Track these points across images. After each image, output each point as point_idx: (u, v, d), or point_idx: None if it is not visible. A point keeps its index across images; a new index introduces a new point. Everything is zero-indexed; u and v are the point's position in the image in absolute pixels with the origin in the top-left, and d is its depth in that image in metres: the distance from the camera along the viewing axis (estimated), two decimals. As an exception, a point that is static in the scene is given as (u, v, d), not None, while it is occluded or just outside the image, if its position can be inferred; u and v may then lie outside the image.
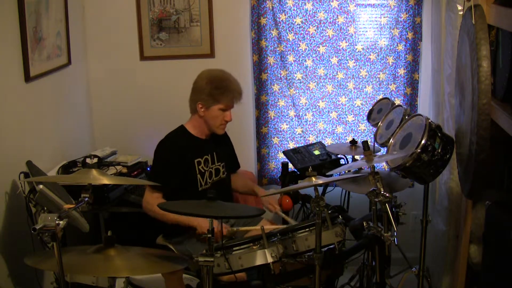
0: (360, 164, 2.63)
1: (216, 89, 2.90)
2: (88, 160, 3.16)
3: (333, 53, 3.77)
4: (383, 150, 2.98)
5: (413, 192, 3.52)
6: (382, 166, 3.70)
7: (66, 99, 3.46)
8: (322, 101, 3.85)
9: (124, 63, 3.82)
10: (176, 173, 2.89)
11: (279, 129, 3.89)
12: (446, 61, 3.10)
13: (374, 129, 3.14)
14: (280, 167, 3.57)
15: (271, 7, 3.70)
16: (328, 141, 3.88)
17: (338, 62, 3.79)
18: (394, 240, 2.27)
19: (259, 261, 2.23)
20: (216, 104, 2.91)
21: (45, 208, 2.48)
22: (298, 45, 3.76)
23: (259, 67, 3.79)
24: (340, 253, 2.36)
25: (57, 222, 1.81)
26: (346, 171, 3.13)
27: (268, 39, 3.75)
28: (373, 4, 3.74)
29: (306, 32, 3.74)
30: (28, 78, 2.85)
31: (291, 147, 3.76)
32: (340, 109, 3.85)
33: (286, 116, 3.88)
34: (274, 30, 3.74)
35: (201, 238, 2.76)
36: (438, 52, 3.33)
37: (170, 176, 2.87)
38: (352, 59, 3.78)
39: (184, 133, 2.99)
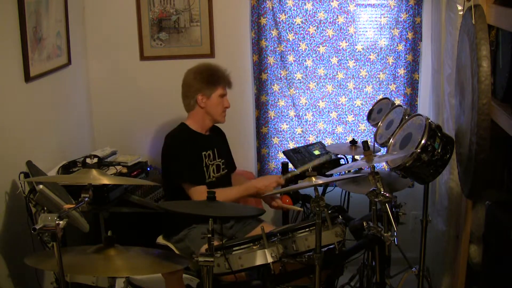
0: (360, 164, 2.63)
1: (211, 76, 3.01)
2: (88, 160, 3.16)
3: (333, 53, 3.77)
4: (383, 150, 2.98)
5: (413, 192, 3.52)
6: (382, 166, 3.70)
7: (66, 99, 3.46)
8: (322, 101, 3.85)
9: (124, 63, 3.82)
10: (193, 165, 2.96)
11: (279, 129, 3.89)
12: (446, 61, 3.10)
13: (374, 129, 3.14)
14: (280, 167, 3.57)
15: (271, 7, 3.70)
16: (328, 141, 3.88)
17: (338, 62, 3.79)
18: (394, 240, 2.27)
19: (259, 261, 2.23)
20: (215, 91, 3.00)
21: (45, 208, 2.47)
22: (298, 45, 3.76)
23: (259, 67, 3.79)
24: (340, 253, 2.36)
25: (57, 222, 1.81)
26: (346, 171, 3.13)
27: (268, 39, 3.75)
28: (373, 4, 3.74)
29: (306, 32, 3.74)
30: (28, 78, 2.85)
31: (291, 147, 3.75)
32: (340, 109, 3.85)
33: (286, 116, 3.88)
34: (274, 30, 3.74)
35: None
36: (438, 52, 3.33)
37: (192, 168, 2.93)
38: (352, 59, 3.78)
39: (186, 129, 3.03)
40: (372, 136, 3.14)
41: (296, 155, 3.44)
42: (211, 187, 2.90)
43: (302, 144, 3.78)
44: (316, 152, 3.45)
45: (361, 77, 3.81)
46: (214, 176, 3.04)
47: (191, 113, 3.05)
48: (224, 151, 3.20)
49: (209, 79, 2.99)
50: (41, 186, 2.42)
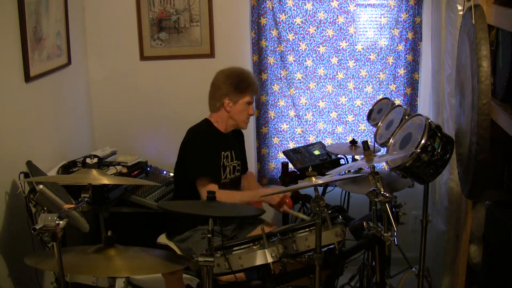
0: (360, 164, 2.63)
1: (241, 82, 2.97)
2: (88, 160, 3.16)
3: (333, 53, 3.77)
4: (383, 150, 2.98)
5: (413, 192, 3.51)
6: (382, 166, 3.70)
7: (66, 99, 3.46)
8: (322, 101, 3.85)
9: (124, 63, 3.82)
10: (213, 162, 2.94)
11: (279, 129, 3.89)
12: (446, 61, 3.10)
13: (374, 129, 3.14)
14: (280, 167, 3.57)
15: (271, 7, 3.70)
16: (328, 141, 3.88)
17: (338, 62, 3.79)
18: (394, 240, 2.27)
19: (259, 261, 2.23)
20: (242, 98, 2.98)
21: (45, 208, 2.47)
22: (298, 45, 3.76)
23: (259, 67, 3.79)
24: (340, 253, 2.36)
25: (57, 222, 1.81)
26: (346, 171, 3.13)
27: (268, 39, 3.75)
28: (373, 4, 3.74)
29: (306, 32, 3.74)
30: (28, 78, 2.85)
31: (291, 147, 3.76)
32: (340, 109, 3.85)
33: (286, 116, 3.88)
34: (274, 30, 3.74)
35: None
36: (438, 52, 3.33)
37: (211, 164, 2.92)
38: (352, 59, 3.78)
39: (211, 126, 3.02)
40: (372, 136, 3.14)
41: (296, 155, 3.44)
42: (224, 187, 2.91)
43: (302, 144, 3.78)
44: (316, 152, 3.45)
45: (361, 77, 3.81)
46: (229, 178, 3.04)
47: (214, 114, 3.03)
48: (241, 153, 3.20)
49: (238, 85, 2.96)
50: (41, 186, 2.43)
